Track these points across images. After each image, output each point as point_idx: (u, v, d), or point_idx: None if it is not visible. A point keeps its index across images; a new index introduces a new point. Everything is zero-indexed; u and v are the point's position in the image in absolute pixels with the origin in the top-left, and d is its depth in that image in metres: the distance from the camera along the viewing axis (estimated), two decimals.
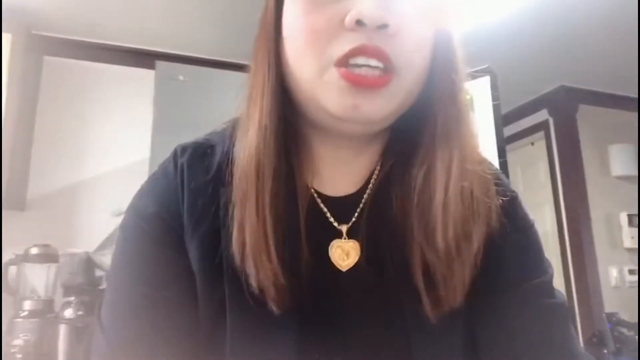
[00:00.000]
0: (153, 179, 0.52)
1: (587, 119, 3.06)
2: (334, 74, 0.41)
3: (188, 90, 1.99)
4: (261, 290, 0.43)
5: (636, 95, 2.94)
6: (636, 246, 2.96)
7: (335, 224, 0.48)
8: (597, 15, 2.23)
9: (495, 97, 1.90)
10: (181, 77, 1.98)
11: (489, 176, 0.47)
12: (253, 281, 0.43)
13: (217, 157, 0.49)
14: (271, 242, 0.42)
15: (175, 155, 0.51)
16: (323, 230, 0.48)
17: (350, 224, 0.48)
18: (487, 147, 1.75)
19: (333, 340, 0.45)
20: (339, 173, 0.50)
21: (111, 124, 2.36)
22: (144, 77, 2.34)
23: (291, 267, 0.44)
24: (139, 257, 0.47)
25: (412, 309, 0.45)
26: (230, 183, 0.45)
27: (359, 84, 0.40)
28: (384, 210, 0.48)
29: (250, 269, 0.43)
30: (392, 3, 0.41)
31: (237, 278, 0.44)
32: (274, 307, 0.43)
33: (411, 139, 0.47)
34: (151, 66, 2.04)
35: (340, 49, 0.40)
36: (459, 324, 0.46)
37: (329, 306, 0.46)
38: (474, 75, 1.92)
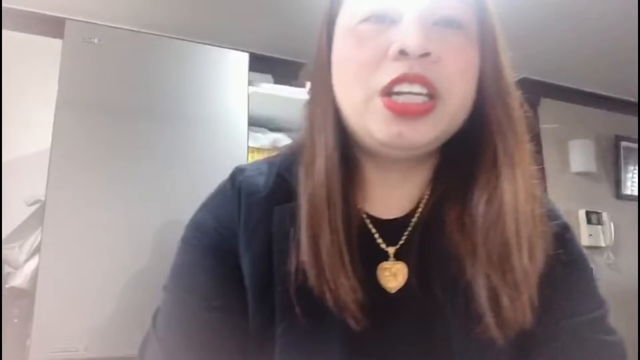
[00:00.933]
0: (213, 195, 0.58)
1: (549, 113, 2.98)
2: (378, 103, 0.44)
3: (103, 56, 1.65)
4: (339, 308, 0.45)
5: (591, 91, 2.88)
6: (594, 244, 2.92)
7: (384, 246, 0.50)
8: (563, 7, 2.15)
9: None
10: (96, 40, 1.63)
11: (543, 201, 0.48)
12: (330, 299, 0.45)
13: (272, 178, 0.53)
14: (347, 260, 0.45)
15: (233, 175, 0.56)
16: (372, 252, 0.49)
17: (398, 246, 0.50)
18: None
19: (377, 358, 0.46)
20: (388, 196, 0.52)
21: (24, 104, 2.02)
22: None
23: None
24: (196, 268, 0.52)
25: (458, 331, 0.45)
26: (287, 201, 0.50)
27: (402, 112, 0.43)
28: (434, 234, 0.49)
29: (328, 287, 0.45)
30: (434, 33, 0.44)
31: (287, 293, 0.46)
32: (352, 323, 0.45)
33: (464, 164, 0.49)
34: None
35: (385, 78, 0.44)
36: (506, 349, 0.45)
37: (376, 325, 0.47)
38: None
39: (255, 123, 2.11)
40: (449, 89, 0.44)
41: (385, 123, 0.44)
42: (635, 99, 3.02)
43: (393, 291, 0.48)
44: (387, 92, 0.44)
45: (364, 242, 0.49)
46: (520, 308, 0.43)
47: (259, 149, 2.13)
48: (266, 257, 0.49)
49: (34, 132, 2.00)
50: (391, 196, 0.52)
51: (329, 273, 0.45)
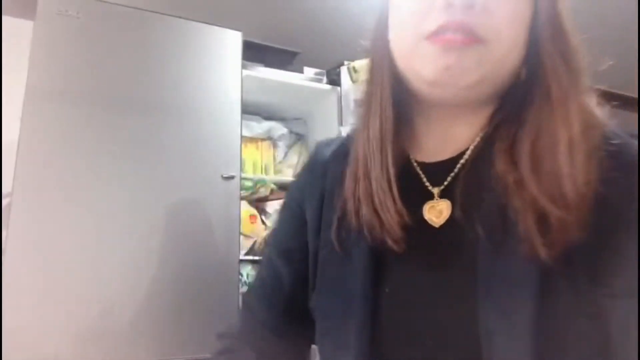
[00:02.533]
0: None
1: None
2: (425, 44, 0.47)
3: (81, 32, 1.48)
4: (384, 233, 0.51)
5: None
6: None
7: (430, 187, 0.54)
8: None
9: None
10: (73, 13, 1.46)
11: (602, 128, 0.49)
12: (377, 226, 0.51)
13: (337, 145, 0.61)
14: (394, 189, 0.51)
15: (314, 146, 0.65)
16: (419, 193, 0.53)
17: (443, 186, 0.53)
18: None
19: (406, 281, 0.52)
20: (435, 142, 0.55)
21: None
22: None
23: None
24: (276, 223, 0.67)
25: (487, 259, 0.48)
26: (343, 158, 0.56)
27: (448, 43, 0.46)
28: (480, 170, 0.51)
29: (375, 215, 0.51)
30: None
31: (329, 229, 0.55)
32: (394, 247, 0.50)
33: (520, 111, 0.50)
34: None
35: (431, 25, 0.46)
36: (535, 275, 0.45)
37: (412, 255, 0.52)
38: None
39: (249, 110, 1.96)
40: (495, 35, 0.46)
41: (433, 58, 0.47)
42: (635, 95, 2.98)
43: (437, 226, 0.52)
44: (434, 36, 0.47)
45: (411, 184, 0.54)
46: (571, 227, 0.44)
47: (252, 138, 1.98)
48: (319, 204, 0.58)
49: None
50: (441, 144, 0.55)
51: (377, 201, 0.51)
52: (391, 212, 0.50)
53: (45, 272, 1.33)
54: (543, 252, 0.44)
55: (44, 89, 1.42)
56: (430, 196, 0.53)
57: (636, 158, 0.48)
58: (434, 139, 0.55)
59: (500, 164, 0.49)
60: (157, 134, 1.55)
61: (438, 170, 0.54)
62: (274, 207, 1.93)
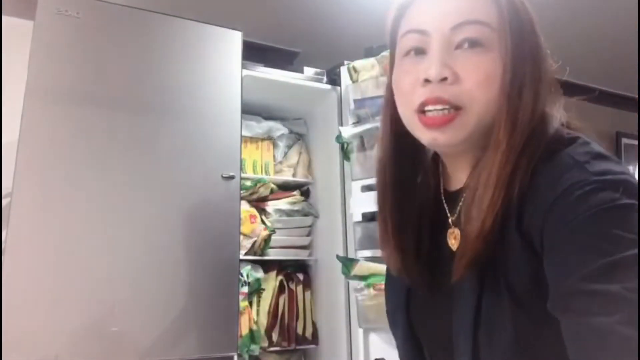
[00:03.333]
0: None
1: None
2: (416, 118, 0.59)
3: (82, 32, 1.48)
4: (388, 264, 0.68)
5: None
6: None
7: (449, 214, 0.64)
8: (564, 3, 2.06)
9: None
10: (74, 13, 1.46)
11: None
12: (384, 256, 0.67)
13: None
14: (390, 233, 0.64)
15: None
16: (443, 220, 0.64)
17: (455, 213, 0.63)
18: None
19: (429, 299, 0.65)
20: (458, 174, 0.65)
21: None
22: None
23: (418, 250, 0.65)
24: None
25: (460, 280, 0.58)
26: None
27: (430, 124, 0.58)
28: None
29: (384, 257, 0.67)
30: (454, 57, 0.57)
31: None
32: (408, 280, 0.65)
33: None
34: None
35: (416, 101, 0.58)
36: (472, 291, 0.56)
37: (440, 277, 0.62)
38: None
39: (249, 110, 1.96)
40: (469, 101, 0.56)
41: (423, 132, 0.59)
42: (635, 95, 2.97)
43: (454, 251, 0.61)
44: (421, 110, 0.58)
45: (440, 211, 0.65)
46: (482, 216, 0.54)
47: (252, 138, 1.98)
48: None
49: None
50: (456, 174, 0.65)
51: (380, 242, 0.66)
52: (388, 252, 0.64)
53: (45, 272, 1.33)
54: (461, 266, 0.56)
55: (44, 89, 1.42)
56: (448, 223, 0.63)
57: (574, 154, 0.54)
58: (452, 171, 0.66)
59: (469, 191, 0.59)
60: (157, 134, 1.55)
61: (453, 199, 0.64)
62: (273, 206, 1.93)
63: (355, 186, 1.63)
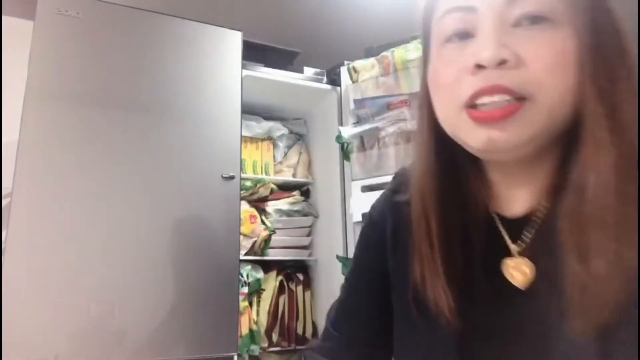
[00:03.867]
0: (381, 197, 0.64)
1: None
2: (465, 115, 0.46)
3: (82, 32, 1.48)
4: (436, 304, 0.50)
5: None
6: None
7: (509, 243, 0.51)
8: None
9: None
10: (74, 13, 1.46)
11: None
12: (430, 295, 0.50)
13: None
14: (439, 265, 0.49)
15: (392, 180, 0.63)
16: (498, 248, 0.51)
17: (522, 242, 0.50)
18: None
19: (489, 347, 0.50)
20: (512, 194, 0.52)
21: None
22: None
23: (465, 283, 0.50)
24: (357, 251, 0.65)
25: (557, 328, 0.45)
26: (405, 214, 0.55)
27: (486, 119, 0.44)
28: (555, 229, 0.46)
29: (426, 286, 0.51)
30: (513, 36, 0.44)
31: (403, 291, 0.54)
32: (448, 317, 0.49)
33: (575, 162, 0.46)
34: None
35: (465, 93, 0.45)
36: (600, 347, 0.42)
37: (498, 320, 0.49)
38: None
39: (249, 110, 1.96)
40: (538, 88, 0.43)
41: (474, 131, 0.46)
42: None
43: (520, 286, 0.49)
44: (471, 105, 0.45)
45: (493, 240, 0.52)
46: (605, 299, 0.41)
47: (252, 138, 1.98)
48: (384, 264, 0.60)
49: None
50: (515, 194, 0.52)
51: (426, 275, 0.51)
52: (438, 291, 0.49)
53: (45, 272, 1.33)
54: (580, 327, 0.42)
55: (44, 89, 1.42)
56: (507, 251, 0.51)
57: None
58: (508, 191, 0.52)
59: (564, 226, 0.45)
60: (157, 134, 1.55)
61: (516, 225, 0.51)
62: (273, 207, 1.93)
63: (355, 186, 1.63)
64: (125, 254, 1.44)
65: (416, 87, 1.63)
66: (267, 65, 1.97)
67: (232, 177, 1.61)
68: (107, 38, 1.53)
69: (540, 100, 0.43)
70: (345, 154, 1.71)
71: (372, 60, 1.70)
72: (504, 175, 0.52)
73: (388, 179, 1.56)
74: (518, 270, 0.49)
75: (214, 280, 1.55)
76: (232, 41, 1.71)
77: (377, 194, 1.57)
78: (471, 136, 0.46)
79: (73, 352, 1.31)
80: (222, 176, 1.59)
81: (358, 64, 1.73)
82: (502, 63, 0.43)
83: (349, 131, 1.65)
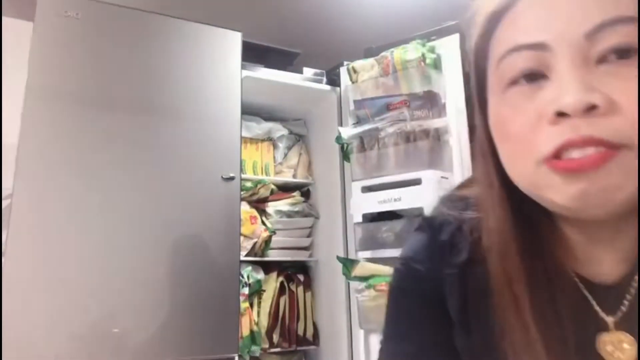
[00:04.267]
0: (415, 247, 0.54)
1: None
2: (546, 169, 0.38)
3: (81, 33, 1.48)
4: None
5: None
6: None
7: (603, 314, 0.44)
8: None
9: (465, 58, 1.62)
10: (73, 14, 1.46)
11: None
12: None
13: (469, 236, 0.50)
14: (540, 351, 0.41)
15: (433, 229, 0.53)
16: (589, 320, 0.44)
17: (620, 313, 0.44)
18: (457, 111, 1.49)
19: None
20: (599, 256, 0.45)
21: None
22: None
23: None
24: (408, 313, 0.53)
25: None
26: (480, 264, 0.47)
27: (578, 169, 0.36)
28: None
29: None
30: (599, 75, 0.37)
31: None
32: None
33: None
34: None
35: (546, 148, 0.38)
36: None
37: None
38: (441, 33, 1.60)
39: (249, 111, 1.96)
40: (636, 134, 0.36)
41: (562, 186, 0.38)
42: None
43: None
44: (556, 157, 0.38)
45: (579, 309, 0.44)
46: None
47: (252, 139, 1.98)
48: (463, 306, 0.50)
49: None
50: (602, 257, 0.45)
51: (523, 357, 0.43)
52: None
53: (45, 273, 1.33)
54: None
55: (44, 89, 1.42)
56: (603, 326, 0.44)
57: None
58: (593, 253, 0.45)
59: None
60: (158, 135, 1.55)
61: (605, 292, 0.44)
62: (274, 207, 1.93)
63: (355, 187, 1.63)
64: (126, 255, 1.44)
65: (415, 88, 1.64)
66: (268, 66, 1.97)
67: (232, 178, 1.60)
68: (106, 39, 1.53)
69: (637, 149, 0.36)
70: (345, 155, 1.71)
71: (371, 60, 1.70)
72: (585, 234, 0.45)
73: (388, 179, 1.58)
74: (617, 347, 0.43)
75: (214, 281, 1.55)
76: (232, 42, 1.71)
77: (378, 195, 1.57)
78: (558, 192, 0.38)
79: (73, 353, 1.31)
80: (222, 177, 1.59)
81: (357, 64, 1.73)
82: (591, 109, 0.36)
83: (348, 132, 1.65)
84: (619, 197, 0.37)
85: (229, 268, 1.57)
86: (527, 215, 0.44)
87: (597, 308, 0.44)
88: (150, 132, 1.55)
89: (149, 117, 1.55)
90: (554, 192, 0.39)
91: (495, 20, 0.42)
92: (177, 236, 1.52)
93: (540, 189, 0.40)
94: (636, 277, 0.43)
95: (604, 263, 0.45)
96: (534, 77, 0.39)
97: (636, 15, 0.37)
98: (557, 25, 0.38)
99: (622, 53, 0.37)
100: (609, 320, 0.44)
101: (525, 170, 0.40)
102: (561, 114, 0.37)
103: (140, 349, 1.42)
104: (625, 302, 0.44)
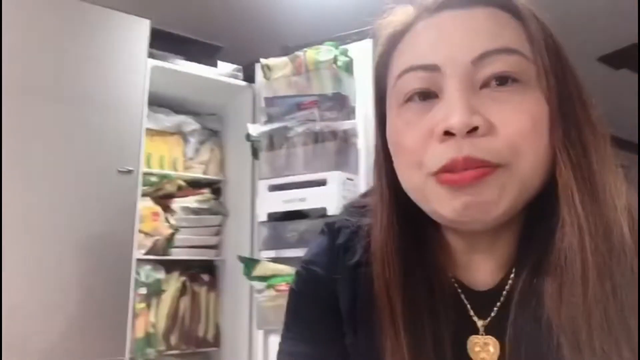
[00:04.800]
0: (316, 251, 0.56)
1: None
2: (433, 182, 0.42)
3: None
4: None
5: None
6: None
7: (475, 318, 0.48)
8: (563, 8, 2.13)
9: None
10: None
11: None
12: None
13: (363, 240, 0.52)
14: (405, 351, 0.45)
15: (332, 233, 0.55)
16: (464, 324, 0.48)
17: (489, 318, 0.47)
18: (369, 117, 1.48)
19: None
20: (477, 264, 0.49)
21: None
22: None
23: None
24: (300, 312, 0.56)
25: None
26: (370, 267, 0.50)
27: (460, 183, 0.41)
28: (529, 305, 0.44)
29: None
30: (482, 99, 0.41)
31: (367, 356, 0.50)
32: None
33: (547, 230, 0.44)
34: None
35: (434, 164, 0.42)
36: None
37: None
38: (355, 37, 1.61)
39: (158, 103, 1.87)
40: (514, 156, 0.41)
41: (446, 199, 0.42)
42: (635, 140, 3.08)
43: None
44: (442, 172, 0.42)
45: (456, 313, 0.48)
46: None
47: (160, 132, 1.89)
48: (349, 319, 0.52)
49: None
50: (480, 264, 0.49)
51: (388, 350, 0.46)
52: None
53: None
54: None
55: None
56: (473, 328, 0.48)
57: None
58: (472, 260, 0.49)
59: (551, 307, 0.42)
60: (54, 123, 1.45)
61: (480, 297, 0.48)
62: (180, 204, 1.85)
63: (263, 185, 1.60)
64: (18, 250, 1.32)
65: (327, 89, 1.64)
66: (189, 58, 1.90)
67: (129, 172, 1.52)
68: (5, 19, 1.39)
69: (515, 166, 0.41)
70: (254, 152, 1.68)
71: (285, 59, 1.68)
72: (466, 243, 0.49)
73: (296, 179, 1.56)
74: (483, 349, 0.46)
75: (105, 280, 1.46)
76: (139, 29, 1.62)
77: (283, 194, 1.55)
78: (444, 205, 0.42)
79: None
80: (118, 170, 1.50)
81: (271, 61, 1.70)
82: (473, 130, 0.40)
83: (257, 129, 1.62)
84: (494, 211, 0.42)
85: (121, 266, 1.49)
86: (414, 224, 0.48)
87: (472, 312, 0.48)
88: (47, 119, 1.43)
89: (45, 102, 1.43)
90: (440, 204, 0.43)
91: (394, 41, 0.47)
92: (68, 231, 1.42)
93: (428, 200, 0.44)
94: (508, 285, 0.47)
95: (481, 270, 0.49)
96: (427, 95, 0.44)
97: (517, 47, 0.42)
98: (448, 50, 0.42)
99: (501, 80, 0.42)
100: (479, 324, 0.48)
101: (416, 182, 0.44)
102: (448, 133, 0.41)
103: (26, 350, 1.30)
104: (495, 308, 0.47)
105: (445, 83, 0.42)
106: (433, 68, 0.43)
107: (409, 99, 0.44)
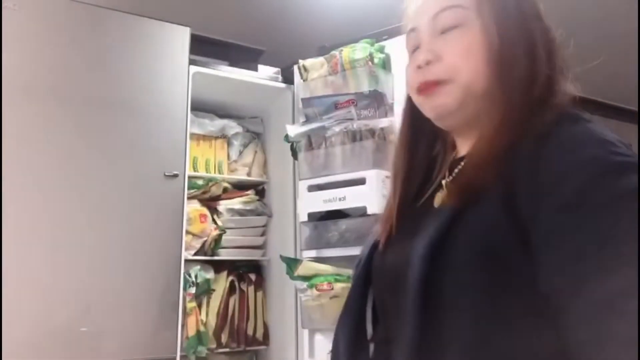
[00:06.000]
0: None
1: None
2: (417, 96, 0.67)
3: (18, 24, 1.44)
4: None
5: None
6: None
7: (447, 177, 0.68)
8: (562, 10, 2.07)
9: None
10: (10, 4, 1.43)
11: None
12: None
13: None
14: (398, 180, 0.72)
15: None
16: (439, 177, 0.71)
17: (449, 179, 0.67)
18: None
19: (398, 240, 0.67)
20: (464, 148, 0.69)
21: None
22: None
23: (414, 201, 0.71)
24: None
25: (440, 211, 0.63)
26: None
27: (423, 91, 0.65)
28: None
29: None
30: (438, 41, 0.64)
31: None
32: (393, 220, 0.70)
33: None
34: None
35: (413, 83, 0.67)
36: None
37: (412, 223, 0.65)
38: (392, 33, 1.59)
39: (202, 108, 1.93)
40: (453, 72, 0.62)
41: (425, 105, 0.66)
42: (632, 107, 2.95)
43: (435, 206, 0.66)
44: (418, 89, 0.66)
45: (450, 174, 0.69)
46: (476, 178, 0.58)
47: (205, 136, 1.95)
48: None
49: None
50: (464, 150, 0.69)
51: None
52: (391, 204, 0.70)
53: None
54: (453, 199, 0.59)
55: None
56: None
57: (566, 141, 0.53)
58: (460, 147, 0.70)
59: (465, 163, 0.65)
60: (101, 131, 1.53)
61: (456, 165, 0.68)
62: (225, 206, 1.90)
63: (302, 185, 1.62)
64: (68, 254, 1.41)
65: (363, 87, 1.63)
66: (232, 63, 1.95)
67: (175, 176, 1.58)
68: (46, 30, 1.50)
69: (456, 80, 0.61)
70: (293, 153, 1.70)
71: (321, 59, 1.69)
72: (457, 137, 0.70)
73: (334, 178, 1.56)
74: (440, 197, 0.66)
75: (155, 280, 1.52)
76: (180, 37, 1.68)
77: (323, 194, 1.56)
78: (424, 108, 0.66)
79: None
80: (165, 174, 1.57)
81: (308, 62, 1.72)
82: (429, 62, 0.63)
83: (295, 130, 1.64)
84: (448, 108, 0.63)
85: (171, 266, 1.55)
86: (431, 127, 0.70)
87: (447, 173, 0.68)
88: (94, 127, 1.52)
89: (92, 112, 1.52)
90: (423, 108, 0.67)
91: (402, 14, 0.72)
92: (118, 235, 1.50)
93: (420, 106, 0.67)
94: (462, 161, 0.67)
95: (462, 148, 0.69)
96: (417, 47, 0.67)
97: (457, 3, 0.63)
98: (418, 16, 0.67)
99: (450, 27, 0.63)
100: (445, 181, 0.67)
101: (415, 98, 0.68)
102: (420, 67, 0.64)
103: (78, 349, 1.39)
104: (454, 173, 0.67)
105: (421, 37, 0.66)
106: (414, 30, 0.67)
107: (411, 52, 0.68)
